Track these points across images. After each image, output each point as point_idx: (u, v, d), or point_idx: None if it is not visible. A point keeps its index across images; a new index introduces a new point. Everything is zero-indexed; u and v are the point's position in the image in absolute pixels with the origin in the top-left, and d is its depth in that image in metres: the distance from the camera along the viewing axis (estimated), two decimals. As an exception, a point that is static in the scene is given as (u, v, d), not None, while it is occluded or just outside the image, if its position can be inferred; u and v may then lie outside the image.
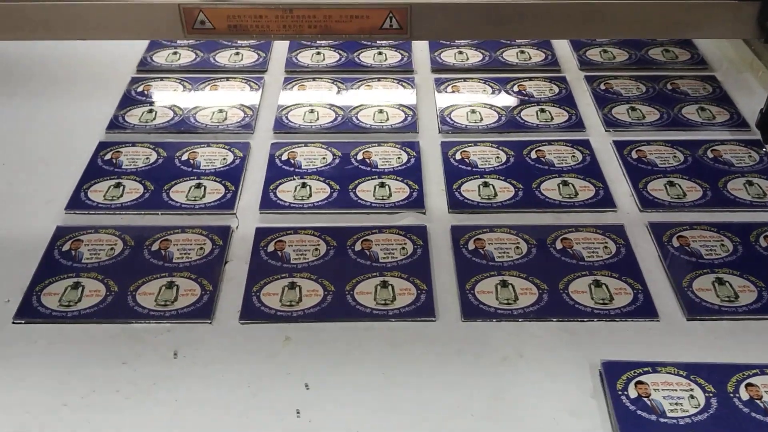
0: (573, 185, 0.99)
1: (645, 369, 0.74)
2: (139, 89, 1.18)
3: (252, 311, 0.80)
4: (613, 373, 0.73)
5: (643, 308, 0.82)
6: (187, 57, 1.26)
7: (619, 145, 1.07)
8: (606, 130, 1.11)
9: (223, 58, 1.26)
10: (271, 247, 0.88)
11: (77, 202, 0.95)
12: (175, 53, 1.27)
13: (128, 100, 1.15)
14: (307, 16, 0.90)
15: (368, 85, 1.20)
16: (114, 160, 1.02)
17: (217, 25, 0.90)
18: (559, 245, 0.89)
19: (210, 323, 0.79)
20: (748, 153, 1.05)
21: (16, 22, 0.89)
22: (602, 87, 1.20)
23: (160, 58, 1.26)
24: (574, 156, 1.04)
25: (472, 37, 1.22)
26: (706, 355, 0.77)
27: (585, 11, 0.90)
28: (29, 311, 0.80)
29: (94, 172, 1.00)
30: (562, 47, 1.31)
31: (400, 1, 0.90)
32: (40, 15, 0.89)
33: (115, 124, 1.10)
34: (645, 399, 0.71)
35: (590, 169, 1.02)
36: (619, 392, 0.71)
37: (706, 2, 0.86)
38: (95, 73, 1.22)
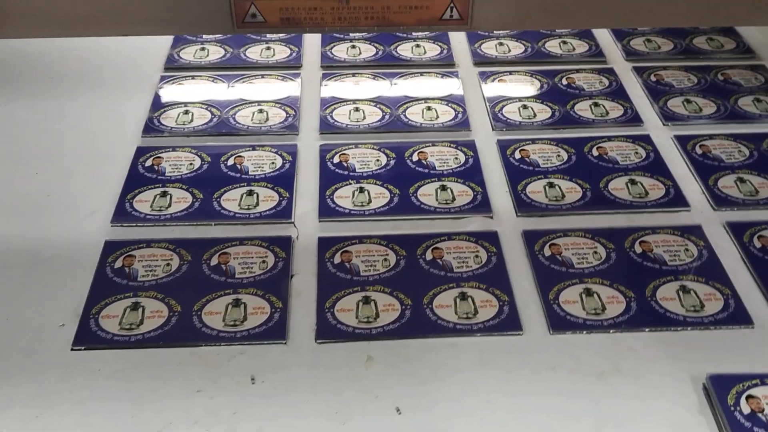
0: (641, 183, 0.95)
1: (753, 381, 0.70)
2: (171, 88, 1.11)
3: (328, 329, 0.75)
4: (721, 387, 0.69)
5: (736, 314, 0.78)
6: (215, 53, 1.19)
7: (682, 140, 1.03)
8: (664, 124, 1.07)
9: (254, 53, 1.20)
10: (337, 258, 0.83)
11: (123, 213, 0.88)
12: (202, 49, 1.20)
13: (161, 101, 1.09)
14: (364, 8, 0.84)
15: (411, 80, 1.14)
16: (156, 167, 0.96)
17: (269, 19, 0.84)
18: (638, 249, 0.85)
19: (285, 344, 0.74)
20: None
21: (48, 17, 0.82)
22: (653, 78, 1.16)
23: (188, 54, 1.19)
24: (637, 152, 1.00)
25: (536, 26, 1.16)
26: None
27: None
28: (89, 336, 0.74)
29: (136, 180, 0.94)
30: (604, 37, 1.27)
31: (461, -10, 0.85)
32: (78, 10, 0.82)
33: (150, 127, 1.03)
34: (759, 414, 0.67)
35: (656, 166, 0.98)
36: (732, 408, 0.67)
37: None
38: (120, 71, 1.15)
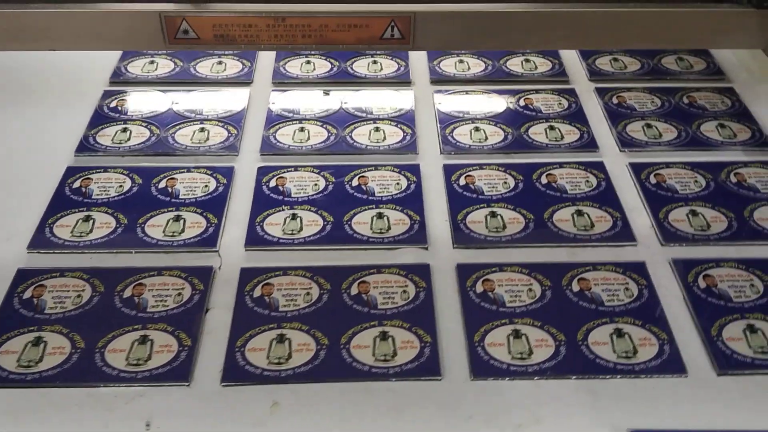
0: (588, 215, 0.91)
1: (678, 439, 0.66)
2: (113, 104, 1.08)
3: (235, 371, 0.72)
4: (643, 445, 0.65)
5: (670, 362, 0.74)
6: (165, 67, 1.16)
7: (636, 168, 0.98)
8: (621, 150, 1.02)
9: (205, 68, 1.16)
10: (257, 292, 0.80)
11: (41, 239, 0.85)
12: (152, 62, 1.17)
13: (100, 118, 1.05)
14: (301, 26, 0.82)
15: (363, 98, 1.10)
16: (84, 189, 0.92)
17: (202, 35, 0.82)
18: (575, 287, 0.81)
19: (188, 386, 0.71)
20: (776, 176, 0.97)
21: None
22: (615, 101, 1.11)
23: (136, 68, 1.16)
24: (588, 181, 0.96)
25: (480, 47, 1.13)
26: (737, 417, 0.69)
27: (595, 20, 0.81)
28: (-16, 373, 0.71)
29: (61, 202, 0.90)
30: (570, 55, 1.22)
31: (403, 9, 0.81)
32: (10, 23, 0.79)
33: (85, 146, 1.00)
34: (680, 476, 0.63)
35: (606, 197, 0.94)
36: (651, 469, 0.63)
37: (718, 10, 0.78)
38: (64, 86, 1.12)
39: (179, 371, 0.71)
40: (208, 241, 0.86)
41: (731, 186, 0.96)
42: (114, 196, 0.91)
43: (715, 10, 0.78)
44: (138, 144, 1.00)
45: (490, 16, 0.80)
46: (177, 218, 0.88)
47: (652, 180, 0.96)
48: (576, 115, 1.08)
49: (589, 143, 1.03)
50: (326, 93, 1.11)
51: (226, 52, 1.19)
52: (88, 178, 0.94)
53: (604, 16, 0.79)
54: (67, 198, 0.91)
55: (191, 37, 0.81)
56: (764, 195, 0.95)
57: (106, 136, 1.02)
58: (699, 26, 0.79)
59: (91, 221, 0.88)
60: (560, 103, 1.11)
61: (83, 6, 0.78)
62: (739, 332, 0.77)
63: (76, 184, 0.93)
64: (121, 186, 0.93)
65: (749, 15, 0.75)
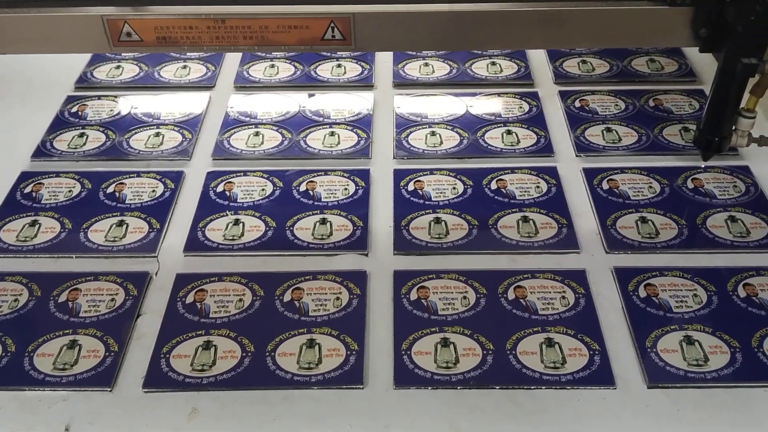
0: (534, 221, 0.89)
1: (593, 453, 0.65)
2: (74, 109, 1.09)
3: (158, 377, 0.72)
4: (555, 458, 0.64)
5: (598, 374, 0.72)
6: (130, 71, 1.17)
7: (590, 174, 0.97)
8: (577, 155, 1.01)
9: (169, 72, 1.17)
10: (190, 298, 0.80)
11: (-15, 243, 0.87)
12: (118, 67, 1.18)
13: (60, 123, 1.06)
14: (242, 27, 0.81)
15: (322, 101, 1.10)
16: (34, 194, 0.94)
17: (145, 38, 0.82)
18: (511, 295, 0.80)
19: (110, 391, 0.71)
20: (734, 182, 0.95)
21: None
22: (577, 104, 1.10)
23: (101, 73, 1.17)
24: (538, 187, 0.95)
25: (422, 48, 1.12)
26: (663, 431, 0.68)
27: (529, 21, 0.80)
28: None
29: (10, 207, 0.92)
30: (538, 58, 1.21)
31: (342, 10, 0.81)
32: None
33: (41, 151, 1.01)
34: (590, 491, 0.62)
35: (554, 203, 0.92)
36: (561, 483, 0.62)
37: (636, 8, 0.76)
38: (29, 91, 1.14)
39: (103, 376, 0.72)
40: (148, 246, 0.86)
41: (687, 192, 0.94)
42: (62, 201, 0.92)
43: (630, 8, 0.76)
44: (93, 149, 1.01)
45: (430, 16, 0.79)
46: (120, 223, 0.89)
47: (605, 186, 0.95)
48: (535, 119, 1.07)
49: (544, 148, 1.02)
50: (311, 95, 1.11)
51: (192, 57, 1.20)
52: (40, 183, 0.95)
53: (539, 16, 0.78)
54: (17, 203, 0.92)
55: (135, 40, 0.81)
56: (721, 201, 0.93)
57: (63, 141, 1.03)
58: (618, 25, 0.77)
59: (37, 226, 0.89)
60: (521, 107, 1.09)
61: (29, 11, 0.79)
62: (675, 344, 0.75)
63: (28, 189, 0.94)
64: (70, 191, 0.94)
65: (666, 13, 0.73)
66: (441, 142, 1.03)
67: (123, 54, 1.20)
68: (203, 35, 0.82)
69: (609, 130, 1.05)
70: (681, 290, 0.81)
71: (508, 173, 0.97)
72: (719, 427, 0.68)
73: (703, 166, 0.97)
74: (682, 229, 0.88)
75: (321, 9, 0.80)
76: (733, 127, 0.84)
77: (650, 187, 0.95)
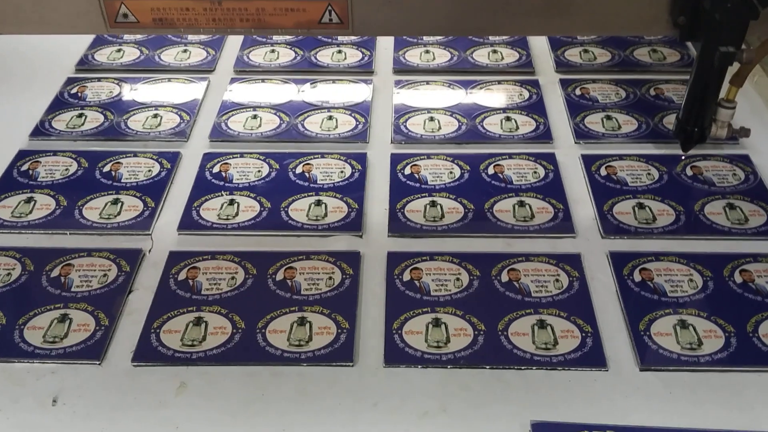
0: (530, 206, 0.89)
1: (582, 433, 0.64)
2: (73, 91, 1.09)
3: (147, 352, 0.72)
4: (544, 437, 0.64)
5: (590, 355, 0.72)
6: (130, 54, 1.17)
7: (588, 160, 0.96)
8: (576, 142, 1.00)
9: (169, 56, 1.17)
10: (182, 275, 0.80)
11: (-19, 219, 0.87)
12: (119, 50, 1.18)
13: (59, 103, 1.07)
14: (239, 9, 0.81)
15: (324, 88, 1.10)
16: (31, 172, 0.94)
17: (141, 19, 0.81)
18: (504, 277, 0.80)
19: (99, 365, 0.71)
20: (733, 170, 0.94)
21: None
22: (578, 92, 1.09)
23: (102, 56, 1.17)
24: (535, 172, 0.94)
25: (421, 33, 1.12)
26: (656, 413, 0.67)
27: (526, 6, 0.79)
28: None
29: (6, 184, 0.92)
30: (540, 46, 1.20)
31: (340, -8, 0.80)
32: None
33: (40, 131, 1.01)
34: (578, 470, 0.61)
35: (551, 188, 0.92)
36: (549, 461, 0.62)
37: None
38: (30, 73, 1.14)
39: (92, 350, 0.72)
40: (142, 224, 0.86)
41: (686, 179, 0.93)
42: (58, 179, 0.92)
43: None
44: (91, 129, 1.01)
45: (429, 1, 0.78)
46: (115, 201, 0.89)
47: (603, 172, 0.94)
48: (535, 107, 1.06)
49: (543, 134, 1.01)
50: (313, 85, 1.10)
51: (192, 41, 1.20)
52: (37, 161, 0.95)
53: (530, 3, 0.77)
54: (13, 180, 0.93)
55: (131, 21, 0.81)
56: (719, 189, 0.92)
57: (62, 121, 1.03)
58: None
59: (33, 203, 0.89)
60: (521, 94, 1.09)
61: (25, -9, 0.79)
62: (669, 327, 0.74)
63: (25, 167, 0.95)
64: (67, 169, 0.94)
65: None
66: (439, 128, 1.02)
67: (124, 37, 1.20)
68: (200, 17, 0.81)
69: (609, 117, 1.04)
70: (676, 275, 0.80)
71: (506, 158, 0.96)
72: (711, 410, 0.67)
73: (684, 154, 0.95)
74: (679, 216, 0.88)
75: (319, -9, 0.80)
76: (713, 117, 0.82)
77: (648, 173, 0.94)
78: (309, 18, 0.82)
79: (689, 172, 0.94)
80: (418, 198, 0.90)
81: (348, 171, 0.94)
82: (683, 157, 0.96)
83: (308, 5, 0.80)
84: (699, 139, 0.83)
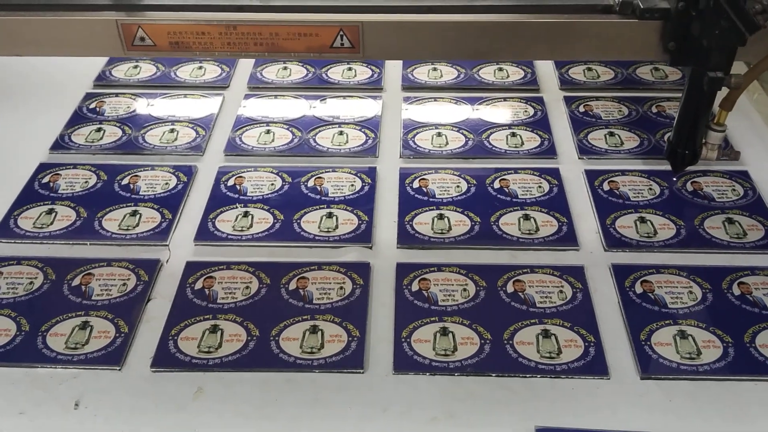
0: (534, 219, 0.92)
1: (583, 438, 0.67)
2: (92, 106, 1.13)
3: (166, 358, 0.75)
4: (547, 442, 0.66)
5: (593, 364, 0.74)
6: (147, 71, 1.21)
7: (591, 175, 0.99)
8: (579, 158, 1.03)
9: (185, 72, 1.20)
10: (199, 284, 0.83)
11: (5, 229, 0.90)
12: (135, 67, 1.22)
13: (78, 118, 1.10)
14: (253, 33, 0.84)
15: (333, 103, 1.13)
16: (51, 184, 0.97)
17: (158, 42, 0.85)
18: (510, 288, 0.82)
19: (119, 370, 0.74)
20: (732, 186, 0.97)
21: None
22: (581, 109, 1.12)
23: (120, 72, 1.21)
24: (540, 186, 0.97)
25: (429, 57, 1.15)
26: (656, 420, 0.69)
27: (533, 31, 0.82)
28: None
29: (28, 196, 0.95)
30: (545, 64, 1.23)
31: (351, 18, 0.83)
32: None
33: (60, 144, 1.05)
34: (580, 474, 0.64)
35: (556, 202, 0.94)
36: (552, 465, 0.64)
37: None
38: (51, 88, 1.18)
39: (112, 356, 0.75)
40: (160, 235, 0.89)
41: (686, 194, 0.96)
42: (78, 192, 0.96)
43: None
44: (109, 143, 1.05)
45: (438, 27, 0.81)
46: (134, 213, 0.92)
47: (605, 187, 0.97)
48: (540, 123, 1.09)
49: (548, 150, 1.04)
50: (323, 101, 1.14)
51: (207, 58, 1.24)
52: (57, 174, 0.99)
53: (538, 27, 0.80)
54: (35, 192, 0.96)
55: (148, 44, 0.84)
56: (719, 204, 0.94)
57: (81, 135, 1.06)
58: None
59: (54, 214, 0.92)
60: (526, 111, 1.12)
61: (45, 14, 0.82)
62: (669, 337, 0.77)
63: (45, 179, 0.98)
64: (86, 182, 0.97)
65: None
66: (447, 143, 1.05)
67: (141, 54, 1.24)
68: (215, 41, 0.84)
69: (612, 134, 1.07)
70: (677, 287, 0.83)
71: (512, 173, 0.99)
72: (710, 417, 0.70)
73: (703, 169, 0.99)
74: (680, 230, 0.90)
75: (330, 17, 0.83)
76: (704, 141, 0.85)
77: (650, 189, 0.97)
78: (321, 43, 0.85)
79: (690, 187, 0.97)
80: (426, 211, 0.93)
81: (358, 184, 0.97)
82: (682, 173, 0.98)
83: (321, 30, 0.83)
84: (690, 161, 0.85)
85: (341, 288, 0.82)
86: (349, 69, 1.22)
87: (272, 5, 0.84)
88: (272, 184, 0.97)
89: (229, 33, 0.84)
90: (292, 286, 0.83)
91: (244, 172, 0.99)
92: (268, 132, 1.07)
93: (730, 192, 0.96)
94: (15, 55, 0.86)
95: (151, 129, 1.08)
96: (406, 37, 0.83)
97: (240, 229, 0.90)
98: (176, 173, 0.99)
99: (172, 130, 1.07)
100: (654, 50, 0.77)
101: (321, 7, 0.84)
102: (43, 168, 1.00)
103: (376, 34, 0.83)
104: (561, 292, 0.82)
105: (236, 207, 0.93)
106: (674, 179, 0.98)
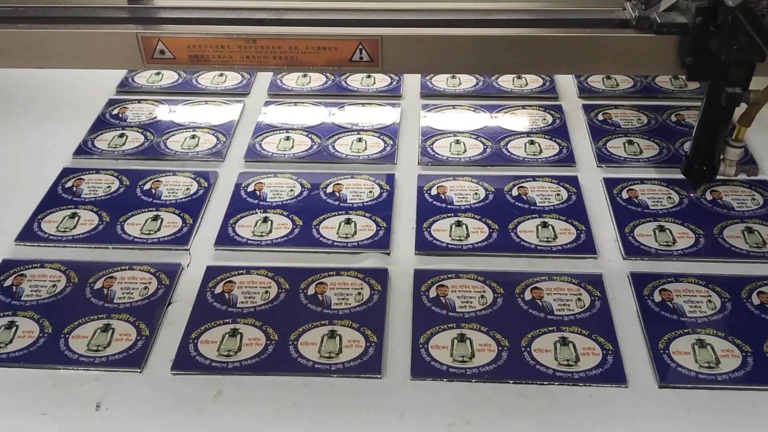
0: (553, 227, 0.92)
1: (601, 446, 0.67)
2: (115, 112, 1.15)
3: (186, 360, 0.75)
4: (564, 449, 0.66)
5: (611, 372, 0.74)
6: (169, 78, 1.23)
7: (610, 183, 0.99)
8: (598, 166, 1.03)
9: (206, 79, 1.22)
10: (219, 288, 0.84)
11: (29, 233, 0.91)
12: (157, 74, 1.23)
13: (101, 124, 1.12)
14: (272, 47, 0.85)
15: (352, 110, 1.14)
16: (74, 188, 0.99)
17: (178, 56, 0.86)
18: (528, 295, 0.82)
19: (140, 372, 0.75)
20: (752, 195, 0.97)
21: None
22: (600, 117, 1.12)
23: (142, 78, 1.22)
24: (558, 194, 0.97)
25: (448, 71, 1.16)
26: (674, 429, 0.69)
27: (553, 45, 0.82)
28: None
29: (52, 200, 0.97)
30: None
31: (371, 32, 0.84)
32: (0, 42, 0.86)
33: (83, 149, 1.06)
34: (597, 482, 0.64)
35: (574, 210, 0.95)
36: (569, 472, 0.64)
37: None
38: (74, 94, 1.19)
39: (133, 358, 0.76)
40: (181, 239, 0.90)
41: (705, 203, 0.96)
42: (101, 196, 0.97)
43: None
44: (131, 149, 1.06)
45: (456, 41, 0.82)
46: (155, 218, 0.93)
47: (624, 195, 0.97)
48: (559, 131, 1.10)
49: (566, 158, 1.04)
50: (342, 108, 1.15)
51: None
52: (81, 179, 1.00)
53: (557, 42, 0.80)
54: (58, 196, 0.97)
55: (168, 57, 0.85)
56: (738, 213, 0.94)
57: (104, 140, 1.08)
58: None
59: (77, 218, 0.93)
60: (544, 119, 1.12)
61: (66, 27, 0.84)
62: (687, 346, 0.77)
63: (69, 184, 0.99)
64: (109, 187, 0.99)
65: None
66: (465, 150, 1.06)
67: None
68: (234, 54, 0.85)
69: (631, 142, 1.07)
70: (695, 296, 0.82)
71: (530, 181, 0.99)
72: (728, 427, 0.69)
73: (722, 179, 0.98)
74: (698, 238, 0.90)
75: (350, 31, 0.84)
76: (722, 156, 0.84)
77: (669, 197, 0.96)
78: (340, 56, 0.85)
79: (709, 196, 0.97)
80: (444, 218, 0.94)
81: (377, 191, 0.98)
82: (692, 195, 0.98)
83: (340, 44, 0.84)
84: (709, 177, 0.84)
85: (359, 293, 0.83)
86: (368, 77, 1.23)
87: (291, 18, 0.85)
88: (291, 190, 0.98)
89: (248, 46, 0.85)
90: (311, 291, 0.83)
91: (263, 178, 1.00)
92: (287, 138, 1.08)
93: (750, 201, 0.95)
94: (36, 67, 0.88)
95: (173, 135, 1.09)
96: (425, 50, 0.84)
97: (260, 234, 0.91)
98: (197, 179, 1.00)
99: (193, 136, 1.08)
100: (671, 65, 0.77)
101: (340, 20, 0.85)
102: (66, 173, 1.02)
103: (396, 47, 0.84)
104: (579, 299, 0.82)
105: (256, 212, 0.94)
106: (691, 194, 0.97)
